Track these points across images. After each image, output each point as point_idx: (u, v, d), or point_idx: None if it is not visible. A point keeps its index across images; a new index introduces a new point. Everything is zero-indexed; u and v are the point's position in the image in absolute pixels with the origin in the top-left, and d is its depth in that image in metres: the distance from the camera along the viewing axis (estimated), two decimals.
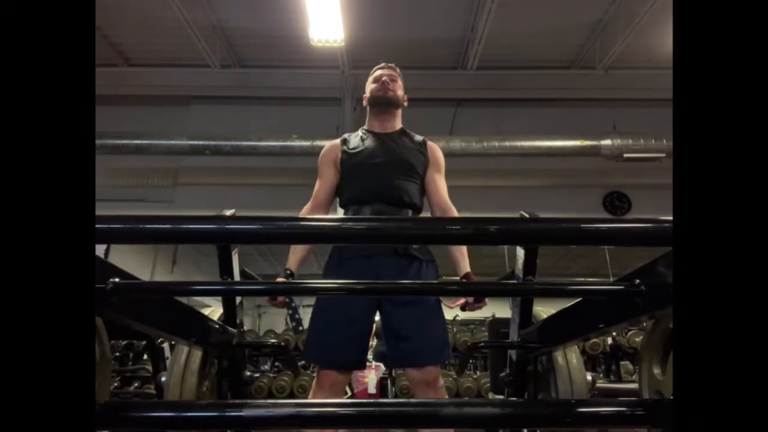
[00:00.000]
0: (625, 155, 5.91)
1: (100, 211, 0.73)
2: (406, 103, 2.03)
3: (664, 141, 5.82)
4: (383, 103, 1.95)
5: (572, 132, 6.06)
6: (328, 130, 6.00)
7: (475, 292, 1.66)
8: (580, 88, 6.57)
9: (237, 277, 1.57)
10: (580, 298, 1.20)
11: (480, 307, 1.77)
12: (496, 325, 3.43)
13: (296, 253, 1.83)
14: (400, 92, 1.99)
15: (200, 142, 6.02)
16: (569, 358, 1.72)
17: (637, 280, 0.93)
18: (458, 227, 0.85)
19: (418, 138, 1.99)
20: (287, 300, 1.78)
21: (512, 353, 1.79)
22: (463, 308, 1.81)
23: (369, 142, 1.93)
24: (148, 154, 6.11)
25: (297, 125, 6.26)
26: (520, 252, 1.65)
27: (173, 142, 6.05)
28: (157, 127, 6.31)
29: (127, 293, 0.93)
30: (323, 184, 1.92)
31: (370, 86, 2.00)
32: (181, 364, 1.60)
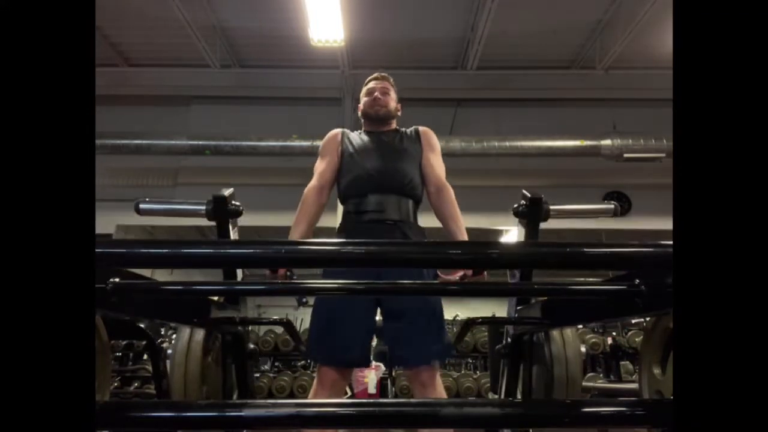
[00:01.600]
0: (625, 155, 5.91)
1: (100, 211, 0.73)
2: (399, 113, 2.10)
3: (664, 141, 5.82)
4: (374, 120, 2.04)
5: (572, 132, 6.06)
6: (328, 130, 5.97)
7: (475, 292, 1.66)
8: (580, 88, 6.57)
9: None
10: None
11: (479, 279, 1.82)
12: (496, 325, 3.45)
13: (298, 230, 1.84)
14: (393, 104, 2.06)
15: (200, 142, 6.02)
16: (565, 332, 1.75)
17: (637, 280, 0.93)
18: (458, 251, 0.86)
19: (412, 131, 2.06)
20: (288, 274, 1.79)
21: (509, 327, 1.83)
22: (462, 280, 1.83)
23: (366, 138, 2.01)
24: (148, 154, 6.11)
25: (297, 125, 6.26)
26: None
27: (173, 142, 6.05)
28: (157, 127, 6.32)
29: (127, 293, 0.93)
30: (329, 163, 1.97)
31: (363, 99, 2.07)
32: (185, 338, 1.61)
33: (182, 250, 0.80)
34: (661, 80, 5.48)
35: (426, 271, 1.81)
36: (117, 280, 0.90)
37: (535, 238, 1.75)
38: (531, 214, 1.74)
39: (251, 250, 0.82)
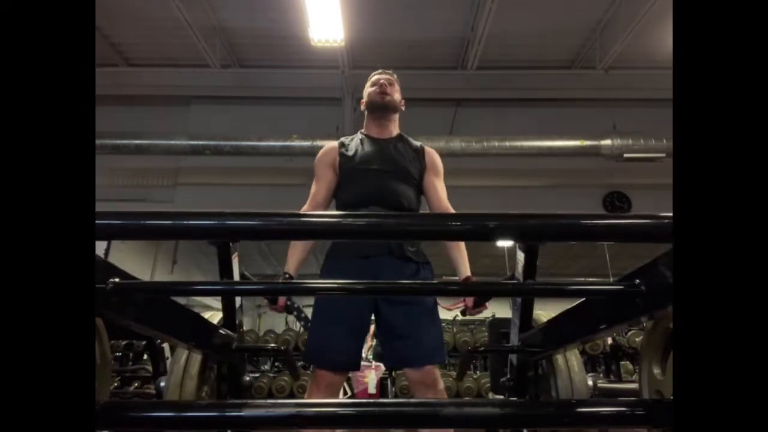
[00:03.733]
0: (625, 155, 5.91)
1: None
2: (403, 108, 2.05)
3: (664, 141, 5.82)
4: (381, 108, 1.97)
5: (572, 132, 6.06)
6: (328, 130, 6.00)
7: (474, 292, 1.66)
8: (580, 88, 6.57)
9: (237, 279, 1.57)
10: (580, 300, 1.20)
11: (480, 312, 1.76)
12: (497, 325, 3.44)
13: (295, 255, 1.84)
14: (398, 96, 2.02)
15: (200, 142, 6.02)
16: (570, 361, 1.71)
17: (637, 280, 0.93)
18: (458, 223, 0.85)
19: (416, 144, 2.01)
20: (288, 303, 1.78)
21: (512, 357, 1.79)
22: (463, 313, 1.81)
23: (367, 146, 1.95)
24: (148, 154, 6.10)
25: (297, 125, 6.26)
26: (521, 255, 1.65)
27: (173, 142, 6.05)
28: (157, 127, 6.31)
29: (127, 293, 0.93)
30: (321, 185, 1.92)
31: (367, 90, 2.02)
32: (181, 368, 1.60)
33: (182, 222, 0.79)
34: (661, 80, 5.48)
35: (422, 274, 1.82)
36: (117, 280, 0.90)
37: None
38: None
39: (254, 222, 0.81)
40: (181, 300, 1.25)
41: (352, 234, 0.90)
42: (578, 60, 6.48)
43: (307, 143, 5.89)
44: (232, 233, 0.87)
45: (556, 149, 5.97)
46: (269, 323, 12.70)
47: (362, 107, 2.05)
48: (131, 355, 4.53)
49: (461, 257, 1.84)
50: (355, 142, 1.98)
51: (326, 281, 1.66)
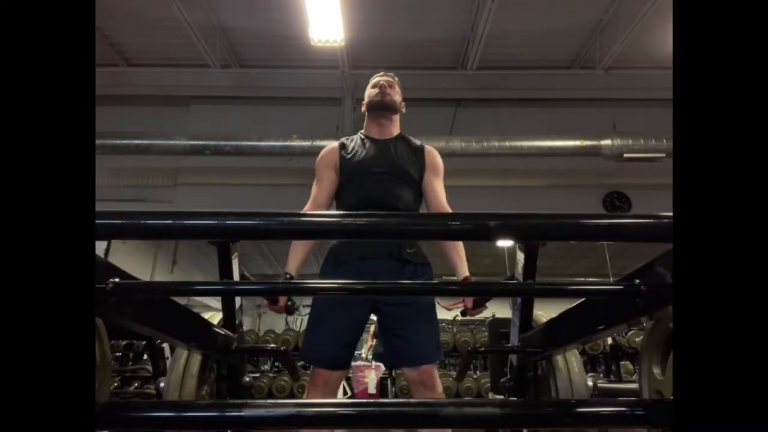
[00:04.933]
0: (625, 155, 5.91)
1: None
2: (403, 110, 2.05)
3: (664, 141, 5.82)
4: (381, 108, 1.97)
5: (572, 132, 6.06)
6: (328, 130, 6.00)
7: (475, 292, 1.66)
8: (580, 88, 6.57)
9: (237, 279, 1.56)
10: (580, 300, 1.20)
11: (480, 312, 1.77)
12: (497, 325, 3.44)
13: (295, 256, 1.84)
14: (398, 98, 2.01)
15: (200, 142, 6.02)
16: (570, 361, 1.71)
17: (637, 280, 0.93)
18: (457, 223, 0.85)
19: (416, 143, 2.00)
20: (289, 304, 1.79)
21: (512, 358, 1.79)
22: (463, 314, 1.82)
23: (366, 148, 1.94)
24: (148, 154, 6.10)
25: (297, 125, 6.26)
26: (520, 255, 1.65)
27: (173, 142, 6.05)
28: (157, 127, 6.31)
29: (127, 293, 0.93)
30: (323, 187, 1.93)
31: (368, 92, 2.02)
32: (180, 368, 1.60)
33: (182, 221, 0.79)
34: (661, 80, 5.48)
35: (420, 275, 1.83)
36: (117, 280, 0.90)
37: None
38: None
39: (253, 222, 0.81)
40: (182, 300, 1.25)
41: (352, 233, 0.90)
42: (578, 60, 6.48)
43: (307, 143, 5.89)
44: (232, 233, 0.87)
45: (556, 149, 5.97)
46: (269, 323, 12.71)
47: (362, 108, 2.05)
48: (131, 355, 4.53)
49: (459, 258, 1.84)
50: (355, 143, 1.98)
51: (326, 281, 1.66)
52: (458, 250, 1.85)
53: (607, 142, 5.93)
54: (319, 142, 5.83)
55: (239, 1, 5.47)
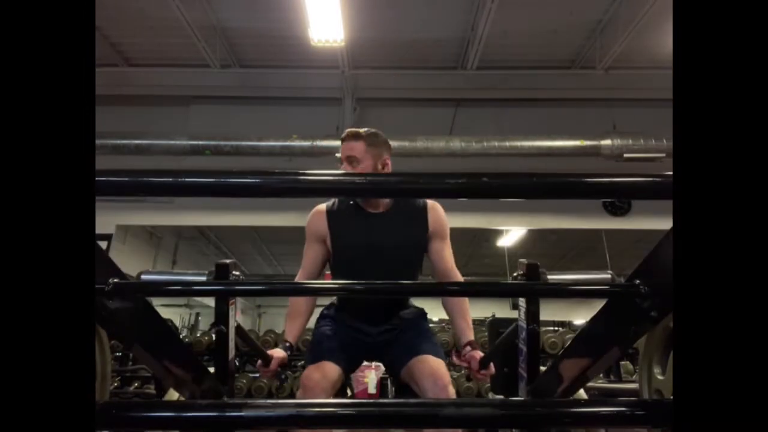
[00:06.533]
0: (625, 155, 5.91)
1: (99, 211, 0.73)
2: (388, 168, 1.84)
3: (664, 141, 5.82)
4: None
5: (572, 132, 6.06)
6: (328, 130, 6.00)
7: (476, 292, 1.66)
8: (580, 88, 6.56)
9: (232, 328, 1.54)
10: (580, 328, 1.17)
11: (484, 377, 1.73)
12: (496, 325, 3.44)
13: (293, 324, 1.84)
14: (371, 162, 1.78)
15: (200, 142, 6.01)
16: None
17: (637, 281, 0.92)
18: (455, 181, 0.81)
19: (418, 204, 1.86)
20: (279, 370, 1.80)
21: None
22: (468, 378, 1.86)
23: (358, 224, 1.83)
24: (148, 154, 6.10)
25: (297, 125, 6.26)
26: (522, 260, 1.67)
27: (173, 142, 6.04)
28: (157, 127, 6.31)
29: (127, 293, 0.93)
30: (312, 256, 1.90)
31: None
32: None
33: (185, 179, 0.79)
34: (661, 80, 5.47)
35: (416, 322, 1.90)
36: (116, 280, 0.90)
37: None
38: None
39: (255, 180, 0.82)
40: (182, 300, 1.25)
41: (353, 192, 0.91)
42: (578, 60, 6.47)
43: (307, 143, 5.88)
44: (233, 190, 0.87)
45: (556, 149, 5.97)
46: (269, 323, 12.69)
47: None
48: (131, 355, 4.53)
49: (468, 326, 1.84)
50: (344, 216, 1.85)
51: (327, 281, 1.67)
52: (465, 317, 1.84)
53: (607, 142, 5.93)
54: (319, 142, 5.83)
55: (239, 1, 5.47)
